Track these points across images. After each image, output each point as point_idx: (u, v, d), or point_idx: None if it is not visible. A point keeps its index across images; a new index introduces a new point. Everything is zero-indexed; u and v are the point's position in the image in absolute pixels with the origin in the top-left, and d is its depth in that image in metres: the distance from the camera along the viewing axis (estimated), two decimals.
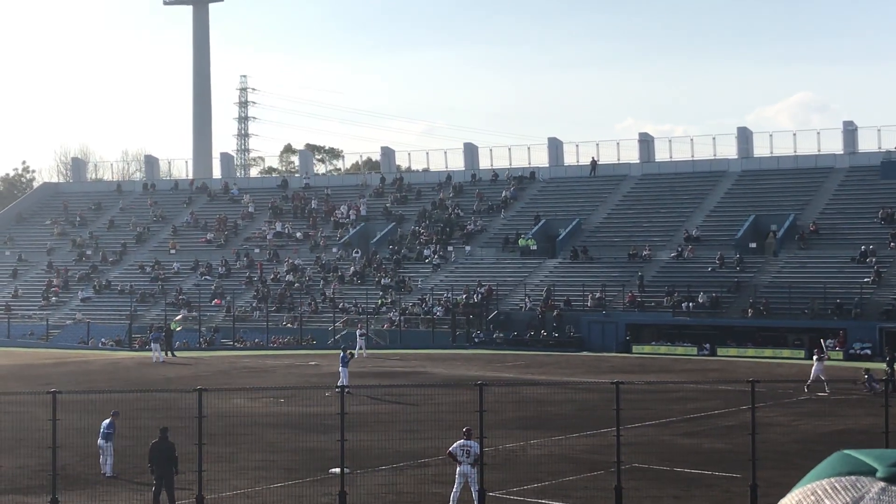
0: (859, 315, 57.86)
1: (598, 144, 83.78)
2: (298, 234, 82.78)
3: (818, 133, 77.93)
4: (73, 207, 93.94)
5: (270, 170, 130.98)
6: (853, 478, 1.70)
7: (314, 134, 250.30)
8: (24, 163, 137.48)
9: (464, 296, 68.32)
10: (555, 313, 64.18)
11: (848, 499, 1.68)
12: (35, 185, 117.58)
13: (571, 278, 68.48)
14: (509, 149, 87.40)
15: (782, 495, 1.80)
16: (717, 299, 62.38)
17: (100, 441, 25.72)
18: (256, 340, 67.67)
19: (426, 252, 76.56)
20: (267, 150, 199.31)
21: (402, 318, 67.83)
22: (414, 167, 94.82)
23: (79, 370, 51.50)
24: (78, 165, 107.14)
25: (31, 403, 28.81)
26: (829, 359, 45.84)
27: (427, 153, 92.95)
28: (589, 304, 64.80)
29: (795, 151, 76.81)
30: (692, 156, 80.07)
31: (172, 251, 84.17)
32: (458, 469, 21.96)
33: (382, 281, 73.31)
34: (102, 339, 69.87)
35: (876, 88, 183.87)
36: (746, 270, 65.36)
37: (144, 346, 64.07)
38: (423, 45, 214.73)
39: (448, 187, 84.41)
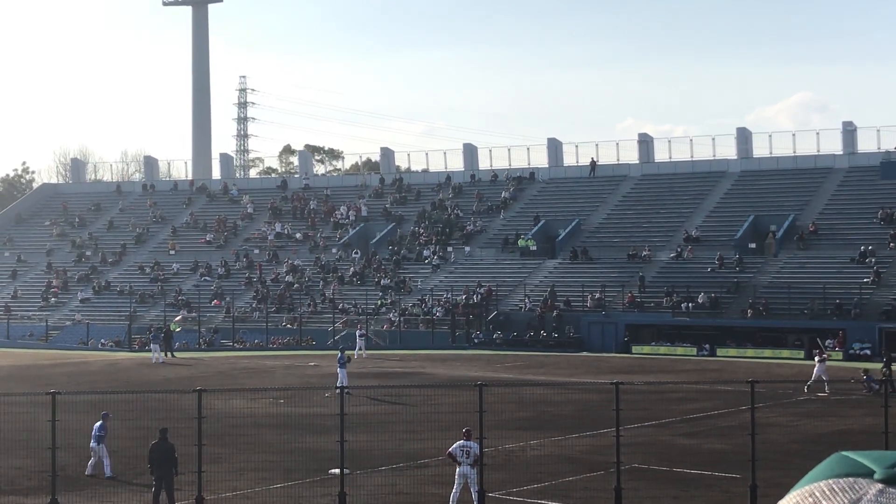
0: (859, 315, 57.87)
1: (597, 145, 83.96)
2: (298, 235, 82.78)
3: (817, 133, 77.89)
4: (72, 208, 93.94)
5: (270, 170, 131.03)
6: (851, 479, 1.70)
7: (313, 134, 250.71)
8: (23, 163, 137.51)
9: (463, 296, 68.32)
10: (554, 314, 64.19)
11: (846, 500, 1.68)
12: (34, 185, 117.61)
13: (571, 279, 68.50)
14: (509, 149, 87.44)
15: (782, 496, 1.80)
16: (717, 300, 62.39)
17: (92, 444, 25.70)
18: (256, 341, 67.65)
19: (426, 253, 76.56)
20: (266, 150, 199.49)
21: (401, 318, 67.84)
22: (413, 168, 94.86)
23: (78, 371, 51.50)
24: (77, 166, 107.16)
25: (31, 404, 28.79)
26: (829, 359, 45.82)
27: (426, 154, 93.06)
28: (588, 305, 64.80)
29: (795, 152, 76.83)
30: (692, 156, 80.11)
31: (172, 252, 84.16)
32: (457, 470, 21.96)
33: (382, 281, 73.32)
34: (102, 340, 69.86)
35: (875, 89, 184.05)
36: (746, 271, 65.38)
37: (144, 346, 64.07)
38: (423, 46, 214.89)
39: (447, 188, 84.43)
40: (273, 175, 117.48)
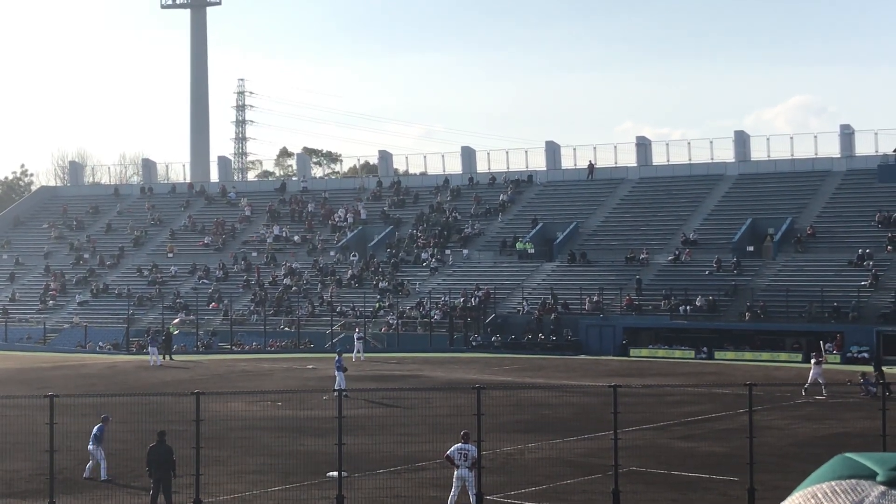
0: (857, 318, 57.88)
1: (595, 148, 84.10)
2: (296, 238, 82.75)
3: (815, 136, 77.60)
4: (70, 211, 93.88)
5: (268, 173, 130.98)
6: (853, 481, 1.70)
7: (311, 137, 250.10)
8: (22, 166, 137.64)
9: (461, 299, 68.31)
10: (552, 317, 64.18)
11: (848, 502, 1.68)
12: (33, 188, 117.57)
13: (569, 282, 68.51)
14: (507, 152, 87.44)
15: (780, 499, 1.80)
16: (715, 303, 62.40)
17: (89, 447, 25.66)
18: (254, 344, 67.63)
19: (424, 255, 76.55)
20: (264, 153, 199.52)
21: (399, 321, 67.81)
22: (411, 171, 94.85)
23: (76, 374, 51.45)
24: (75, 169, 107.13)
25: (29, 407, 28.75)
26: (826, 362, 45.84)
27: (425, 157, 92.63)
28: (586, 308, 64.80)
29: (793, 155, 76.84)
30: (689, 159, 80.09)
31: (170, 255, 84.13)
32: (455, 473, 21.96)
33: (380, 284, 73.30)
34: (100, 343, 69.78)
35: (873, 92, 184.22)
36: (744, 274, 65.39)
37: (142, 349, 64.01)
38: (421, 49, 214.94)
39: (446, 191, 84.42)
40: (271, 178, 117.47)
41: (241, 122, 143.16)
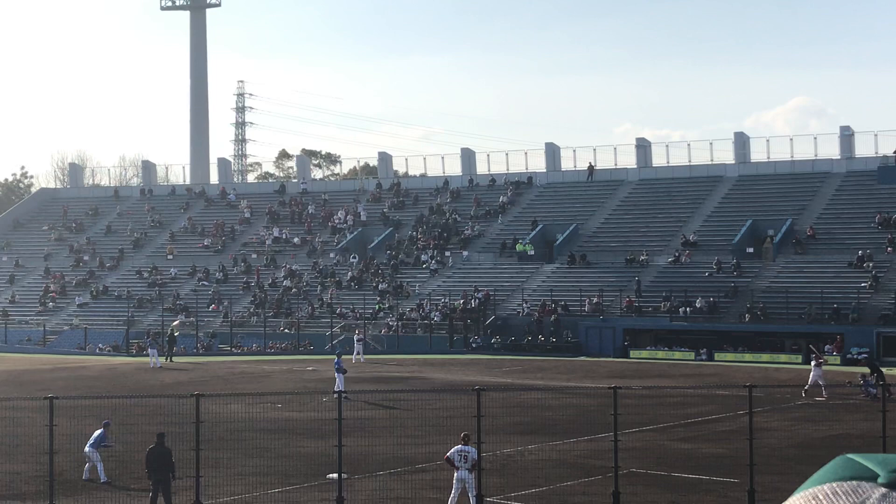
0: (857, 320, 57.89)
1: (595, 149, 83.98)
2: (296, 240, 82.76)
3: (815, 138, 77.67)
4: (70, 213, 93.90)
5: (267, 175, 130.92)
6: (854, 483, 1.69)
7: (311, 139, 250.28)
8: (22, 168, 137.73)
9: (461, 301, 68.31)
10: (552, 318, 64.18)
11: None
12: (32, 190, 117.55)
13: (569, 283, 68.52)
14: (506, 154, 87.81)
15: (780, 500, 1.79)
16: (715, 304, 62.41)
17: (86, 449, 25.58)
18: (254, 346, 67.65)
19: (423, 257, 76.55)
20: (264, 155, 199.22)
21: (399, 323, 67.82)
22: (411, 172, 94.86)
23: (76, 376, 51.41)
24: (75, 171, 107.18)
25: (28, 409, 28.76)
26: (826, 363, 45.82)
27: (424, 158, 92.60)
28: (586, 309, 64.81)
29: (792, 156, 76.87)
30: (689, 161, 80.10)
31: (170, 256, 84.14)
32: (455, 474, 21.94)
33: (380, 286, 73.30)
34: (99, 345, 69.79)
35: (873, 93, 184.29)
36: (744, 275, 65.39)
37: (142, 351, 63.99)
38: (420, 51, 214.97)
39: (445, 192, 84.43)
40: (271, 180, 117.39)
41: (240, 124, 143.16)
